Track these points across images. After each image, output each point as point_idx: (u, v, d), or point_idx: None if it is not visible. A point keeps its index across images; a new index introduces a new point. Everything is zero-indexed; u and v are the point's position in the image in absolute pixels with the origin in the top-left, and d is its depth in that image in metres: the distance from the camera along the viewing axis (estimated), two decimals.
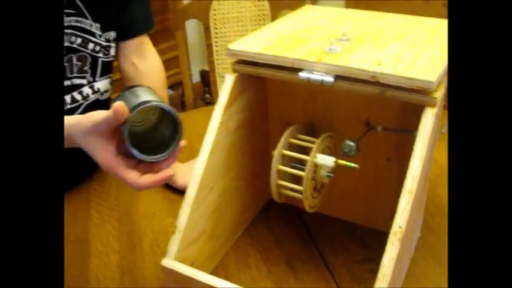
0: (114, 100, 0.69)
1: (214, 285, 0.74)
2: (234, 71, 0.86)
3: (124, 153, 0.71)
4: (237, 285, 0.74)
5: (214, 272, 0.92)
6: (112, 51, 1.11)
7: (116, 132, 0.69)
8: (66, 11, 0.98)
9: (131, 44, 1.13)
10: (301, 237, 1.00)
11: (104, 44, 1.06)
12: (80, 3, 0.99)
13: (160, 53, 1.24)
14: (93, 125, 0.69)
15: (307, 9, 1.03)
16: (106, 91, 1.14)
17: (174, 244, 0.79)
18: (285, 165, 0.85)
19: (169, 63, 1.48)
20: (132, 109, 0.67)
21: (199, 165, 0.82)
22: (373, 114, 0.90)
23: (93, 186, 1.19)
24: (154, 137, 0.74)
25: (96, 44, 1.05)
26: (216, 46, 1.71)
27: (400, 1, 2.30)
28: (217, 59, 1.72)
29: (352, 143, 0.84)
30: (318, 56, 0.78)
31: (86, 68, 1.07)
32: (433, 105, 0.72)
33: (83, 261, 0.98)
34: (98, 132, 0.69)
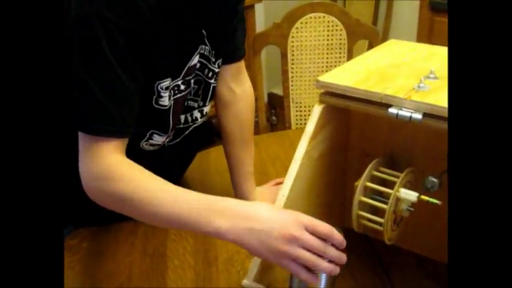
0: None
1: None
2: (321, 102, 0.88)
3: None
4: None
5: None
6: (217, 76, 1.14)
7: None
8: (200, 45, 1.02)
9: (232, 69, 1.16)
10: (374, 269, 1.01)
11: (216, 70, 1.10)
12: (204, 32, 1.03)
13: None
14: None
15: (392, 44, 1.05)
16: (207, 113, 1.19)
17: (255, 266, 0.82)
18: (367, 197, 0.87)
19: None
20: None
21: (284, 192, 0.85)
22: None
23: None
24: None
25: (210, 70, 1.09)
26: (292, 72, 1.75)
27: None
28: (292, 85, 1.76)
29: (435, 179, 0.85)
30: (407, 93, 0.80)
31: (200, 92, 1.11)
32: None
33: (161, 275, 1.02)
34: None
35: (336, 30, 1.72)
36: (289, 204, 0.86)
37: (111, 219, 1.07)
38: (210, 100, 1.14)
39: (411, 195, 0.83)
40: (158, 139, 1.05)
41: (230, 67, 1.15)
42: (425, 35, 2.51)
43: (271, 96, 3.14)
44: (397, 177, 0.85)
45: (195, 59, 1.02)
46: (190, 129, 1.15)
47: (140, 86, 0.90)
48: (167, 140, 1.09)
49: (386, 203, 0.83)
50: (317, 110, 0.88)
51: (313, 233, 0.74)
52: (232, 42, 1.12)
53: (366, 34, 1.72)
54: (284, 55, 1.73)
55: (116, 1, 0.82)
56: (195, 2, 0.96)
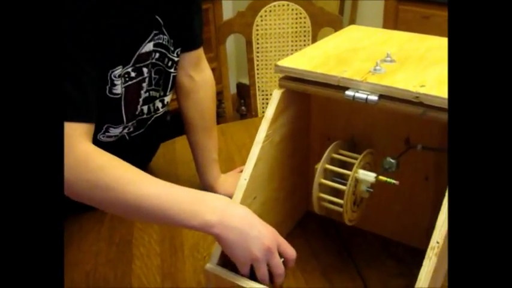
0: None
1: None
2: (281, 86, 0.89)
3: None
4: None
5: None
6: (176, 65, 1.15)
7: None
8: (154, 32, 1.02)
9: (191, 57, 1.16)
10: (338, 250, 1.03)
11: (176, 59, 1.10)
12: (161, 21, 1.03)
13: None
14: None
15: (352, 30, 1.07)
16: (169, 102, 1.19)
17: (218, 249, 0.83)
18: (327, 179, 0.88)
19: None
20: None
21: (245, 176, 0.86)
22: (413, 133, 0.93)
23: None
24: None
25: (169, 59, 1.09)
26: (257, 61, 1.76)
27: (439, 22, 2.32)
28: (258, 73, 1.77)
29: (393, 160, 0.87)
30: (364, 76, 0.81)
31: (161, 82, 1.11)
32: None
33: (127, 263, 1.02)
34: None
35: (300, 18, 1.74)
36: (252, 188, 0.87)
37: (76, 209, 1.07)
38: (170, 90, 1.14)
39: (369, 176, 0.85)
40: (114, 131, 1.05)
41: (189, 55, 1.15)
42: (391, 24, 2.54)
43: (240, 86, 3.14)
44: (356, 159, 0.87)
45: (148, 47, 1.01)
46: (153, 119, 1.15)
47: (96, 72, 0.90)
48: (127, 131, 1.09)
49: (345, 185, 0.85)
50: (276, 94, 0.89)
51: (281, 251, 0.80)
52: (190, 30, 1.13)
53: (329, 22, 1.73)
54: (249, 43, 1.74)
55: None
56: None
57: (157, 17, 1.02)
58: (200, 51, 1.18)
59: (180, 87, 1.18)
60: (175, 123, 1.32)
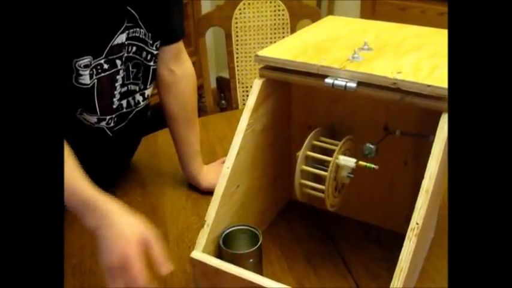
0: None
1: (241, 276, 0.78)
2: (262, 76, 0.91)
3: None
4: (261, 276, 0.79)
5: None
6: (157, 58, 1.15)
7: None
8: (126, 24, 1.02)
9: (170, 50, 1.16)
10: (320, 237, 1.05)
11: (155, 52, 1.11)
12: (136, 15, 1.03)
13: None
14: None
15: (330, 20, 1.09)
16: (150, 96, 1.19)
17: (203, 237, 0.84)
18: (308, 166, 0.90)
19: None
20: None
21: (228, 164, 0.87)
22: (391, 119, 0.95)
23: (119, 184, 1.24)
24: None
25: (148, 52, 1.09)
26: (237, 53, 1.77)
27: (415, 13, 2.35)
28: (238, 66, 1.78)
29: (372, 146, 0.89)
30: (342, 64, 0.83)
31: (139, 75, 1.12)
32: None
33: None
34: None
35: (279, 10, 1.75)
36: (235, 177, 0.89)
37: None
38: (151, 83, 1.15)
39: (350, 162, 0.87)
40: (89, 118, 1.05)
41: (169, 48, 1.15)
42: (368, 16, 2.57)
43: (219, 80, 3.14)
44: (336, 145, 0.89)
45: (120, 38, 1.02)
46: (134, 113, 1.15)
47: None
48: (106, 125, 1.09)
49: (326, 171, 0.87)
50: (257, 84, 0.90)
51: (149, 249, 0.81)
52: (169, 23, 1.12)
53: (307, 14, 1.75)
54: (228, 36, 1.75)
55: None
56: None
57: (130, 9, 1.02)
58: (180, 44, 1.18)
59: (161, 80, 1.18)
60: (157, 117, 1.32)
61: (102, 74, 1.02)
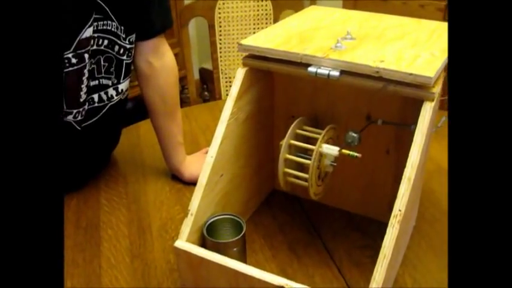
0: None
1: (225, 265, 0.79)
2: (245, 65, 0.91)
3: None
4: (245, 264, 0.79)
5: None
6: (133, 52, 1.13)
7: None
8: (94, 16, 1.01)
9: (149, 44, 1.14)
10: (303, 225, 1.06)
11: (128, 46, 1.09)
12: (106, 7, 1.02)
13: None
14: None
15: (312, 10, 1.09)
16: (126, 90, 1.18)
17: (187, 226, 0.84)
18: (292, 155, 0.90)
19: None
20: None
21: (211, 153, 0.87)
22: (373, 108, 0.96)
23: (102, 175, 1.24)
24: None
25: (120, 46, 1.08)
26: (220, 44, 1.77)
27: (396, 5, 2.36)
28: (221, 56, 1.78)
29: (355, 134, 0.90)
30: (325, 53, 0.83)
31: (112, 69, 1.10)
32: (431, 100, 0.78)
33: (95, 245, 1.02)
34: None
35: (262, 1, 1.75)
36: (219, 166, 0.89)
37: None
38: (124, 77, 1.14)
39: (333, 150, 0.87)
40: None
41: (146, 42, 1.13)
42: (350, 8, 2.57)
43: (202, 71, 3.14)
44: (320, 134, 0.89)
45: (88, 32, 1.01)
46: (107, 107, 1.14)
47: None
48: (73, 119, 1.08)
49: (310, 159, 0.87)
50: (240, 72, 0.90)
51: None
52: (146, 18, 1.10)
53: (290, 5, 1.75)
54: (211, 26, 1.74)
55: None
56: None
57: (100, 1, 1.01)
58: (159, 39, 1.15)
59: (139, 73, 1.16)
60: (138, 108, 1.31)
61: (70, 69, 1.01)
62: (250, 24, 1.77)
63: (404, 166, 0.76)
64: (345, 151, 0.87)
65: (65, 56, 0.98)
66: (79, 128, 1.10)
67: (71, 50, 0.99)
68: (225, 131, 0.88)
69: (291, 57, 0.85)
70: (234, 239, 0.86)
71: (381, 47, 0.86)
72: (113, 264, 0.98)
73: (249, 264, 0.87)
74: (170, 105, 1.20)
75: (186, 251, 0.83)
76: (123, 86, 1.15)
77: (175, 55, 1.23)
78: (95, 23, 1.02)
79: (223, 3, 1.73)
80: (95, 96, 1.10)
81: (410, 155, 0.76)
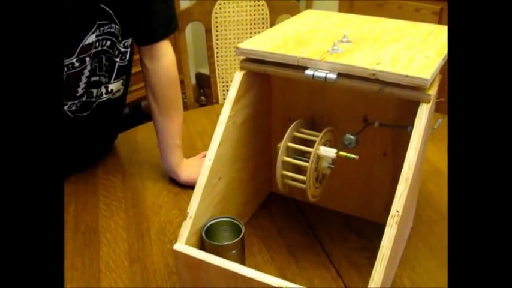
0: None
1: (224, 267, 0.79)
2: (242, 68, 0.91)
3: None
4: (244, 266, 0.79)
5: None
6: (127, 56, 1.16)
7: None
8: (98, 22, 1.03)
9: (145, 48, 1.16)
10: (301, 228, 1.06)
11: (122, 50, 1.12)
12: (111, 12, 1.04)
13: None
14: None
15: (309, 14, 1.10)
16: (118, 91, 1.21)
17: (186, 229, 0.84)
18: (289, 157, 0.91)
19: None
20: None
21: (209, 156, 0.87)
22: (370, 110, 0.96)
23: (100, 180, 1.24)
24: None
25: (116, 48, 1.11)
26: (217, 48, 1.77)
27: (392, 9, 2.38)
28: (218, 61, 1.78)
29: (352, 136, 0.90)
30: (322, 56, 0.84)
31: (108, 68, 1.13)
32: (427, 101, 0.78)
33: (94, 250, 1.03)
34: None
35: (258, 5, 1.76)
36: (217, 169, 0.89)
37: None
38: (115, 78, 1.16)
39: (330, 152, 0.88)
40: None
41: (143, 47, 1.15)
42: (346, 11, 2.59)
43: (199, 76, 3.14)
44: (317, 136, 0.90)
45: (91, 38, 1.03)
46: (96, 103, 1.17)
47: None
48: (67, 108, 1.11)
49: (307, 162, 0.88)
50: (238, 76, 0.90)
51: None
52: (148, 23, 1.12)
53: (286, 8, 1.76)
54: (208, 31, 1.75)
55: None
56: None
57: (104, 6, 1.03)
58: (157, 45, 1.16)
59: (142, 74, 1.19)
60: (135, 113, 1.32)
61: (72, 71, 1.04)
62: (247, 28, 1.77)
63: (401, 168, 0.77)
64: (342, 153, 0.88)
65: (69, 62, 1.01)
66: (72, 116, 1.14)
67: (75, 55, 1.02)
68: (223, 134, 0.89)
69: (288, 61, 0.85)
70: (232, 242, 0.87)
71: (377, 50, 0.87)
72: (112, 268, 0.98)
73: (248, 267, 0.87)
74: (164, 106, 1.20)
75: (185, 254, 0.83)
76: (112, 87, 1.18)
77: None
78: (99, 28, 1.04)
79: (220, 8, 1.74)
80: (94, 91, 1.14)
81: (407, 155, 0.77)
